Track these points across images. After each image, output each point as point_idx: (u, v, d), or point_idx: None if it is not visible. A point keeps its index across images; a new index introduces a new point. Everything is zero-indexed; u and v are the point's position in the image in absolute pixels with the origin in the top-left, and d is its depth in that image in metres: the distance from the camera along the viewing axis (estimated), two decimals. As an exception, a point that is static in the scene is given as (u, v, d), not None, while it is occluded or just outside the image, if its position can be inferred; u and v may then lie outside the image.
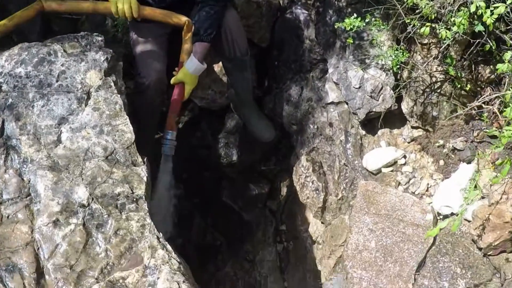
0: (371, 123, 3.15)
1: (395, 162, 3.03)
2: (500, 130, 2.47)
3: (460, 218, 2.05)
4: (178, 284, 1.98)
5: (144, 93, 3.14)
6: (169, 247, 2.11)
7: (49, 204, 2.15)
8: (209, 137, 3.97)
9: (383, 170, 3.06)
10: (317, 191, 3.36)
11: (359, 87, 3.01)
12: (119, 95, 2.42)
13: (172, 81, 3.06)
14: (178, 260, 2.08)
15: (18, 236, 2.10)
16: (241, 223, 3.96)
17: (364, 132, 3.20)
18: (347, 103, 3.15)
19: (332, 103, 3.29)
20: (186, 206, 3.98)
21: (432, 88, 2.81)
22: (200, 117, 4.00)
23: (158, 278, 2.00)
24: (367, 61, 2.99)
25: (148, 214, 2.17)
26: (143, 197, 2.22)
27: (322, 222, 3.43)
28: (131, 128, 2.37)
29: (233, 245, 3.98)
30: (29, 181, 2.22)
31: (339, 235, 3.21)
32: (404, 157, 3.01)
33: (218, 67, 3.69)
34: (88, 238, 2.11)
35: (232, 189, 3.97)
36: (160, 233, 2.14)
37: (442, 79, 2.77)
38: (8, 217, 2.14)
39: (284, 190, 3.91)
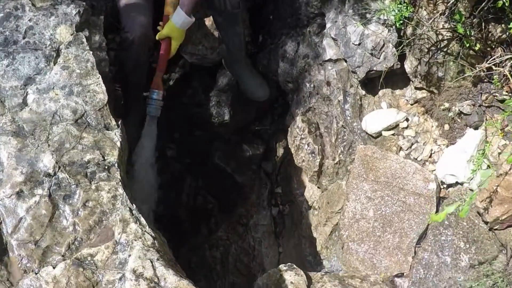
0: (371, 83, 2.95)
1: (397, 125, 2.84)
2: (511, 94, 2.25)
3: (469, 203, 1.84)
4: (152, 262, 1.80)
5: (128, 49, 2.94)
6: (143, 220, 1.92)
7: (12, 174, 1.96)
8: (201, 95, 3.77)
9: (384, 133, 2.88)
10: (312, 154, 3.19)
11: (359, 44, 2.79)
12: (91, 52, 2.20)
13: (158, 36, 2.89)
14: (153, 234, 1.90)
15: (-22, 210, 1.91)
16: (234, 186, 3.81)
17: (364, 92, 3.00)
18: (345, 61, 2.93)
19: (330, 60, 3.08)
20: (177, 167, 3.82)
21: (438, 46, 2.58)
22: (191, 74, 3.81)
23: (129, 255, 1.81)
24: (368, 15, 2.76)
25: (120, 183, 1.97)
26: (116, 164, 2.02)
27: (318, 187, 3.28)
28: (104, 88, 2.16)
29: (226, 208, 3.86)
30: (-8, 149, 2.02)
31: (336, 202, 3.06)
32: (407, 120, 2.81)
33: (209, 21, 3.48)
34: (54, 211, 1.93)
35: (225, 150, 3.80)
36: (134, 204, 1.94)
37: (449, 37, 2.54)
38: (-32, 188, 1.95)
39: (280, 151, 3.75)
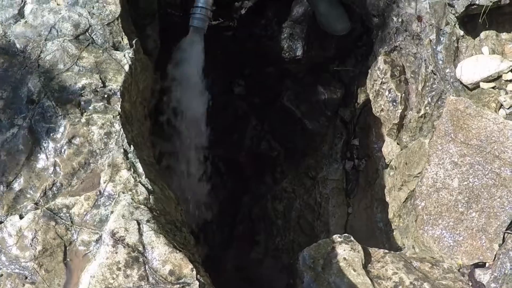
0: (472, 21, 2.39)
1: (499, 77, 2.29)
2: None
3: None
4: (139, 224, 1.38)
5: None
6: (140, 167, 1.49)
7: (-9, 98, 1.58)
8: (274, 26, 3.32)
9: (482, 85, 2.33)
10: (394, 103, 2.69)
11: (461, -32, 2.21)
12: (105, -51, 1.74)
13: None
14: (149, 187, 1.47)
15: None
16: (303, 133, 3.42)
17: (462, 33, 2.43)
18: (442, -10, 2.36)
19: (423, -11, 2.50)
20: (243, 106, 3.42)
21: None
22: (265, 3, 3.39)
23: (111, 212, 1.39)
24: None
25: (119, 118, 1.55)
26: (118, 93, 1.60)
27: (397, 143, 2.78)
28: (118, -3, 1.71)
29: (292, 158, 3.51)
30: (-24, 67, 1.65)
31: (416, 163, 2.57)
32: (512, 71, 2.23)
33: None
34: (33, 147, 1.53)
35: (296, 90, 3.38)
36: (131, 146, 1.51)
37: None
38: None
39: (361, 98, 3.31)
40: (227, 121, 3.42)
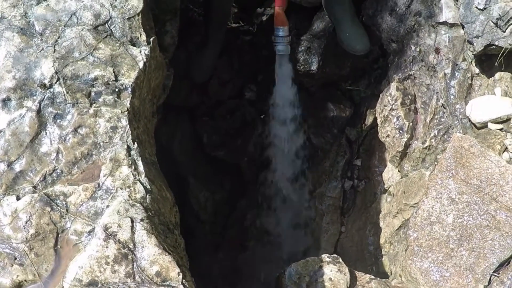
0: (489, 61, 2.38)
1: (508, 119, 2.29)
2: None
3: None
4: (132, 222, 1.39)
5: None
6: (140, 165, 1.50)
7: (3, 77, 1.61)
8: (293, 37, 3.32)
9: (490, 125, 2.33)
10: (400, 131, 2.70)
11: (483, 9, 2.22)
12: None
13: None
14: (148, 186, 1.48)
15: (-46, 113, 1.57)
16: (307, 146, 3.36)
17: (477, 70, 2.44)
18: (463, 27, 2.35)
19: (444, 23, 2.54)
20: (251, 112, 3.44)
21: None
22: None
23: (107, 206, 1.40)
24: (502, -24, 2.17)
25: (126, 114, 1.56)
26: (129, 88, 1.61)
27: (398, 170, 2.76)
28: (141, -7, 1.72)
29: None
30: (-7, 44, 1.66)
31: (414, 194, 2.58)
32: (522, 115, 2.23)
33: (314, -47, 3.00)
34: (39, 131, 1.55)
35: (307, 104, 3.34)
36: (135, 144, 1.52)
37: None
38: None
39: (369, 120, 3.29)
40: (234, 125, 3.44)
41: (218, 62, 3.15)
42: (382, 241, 2.74)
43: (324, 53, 3.11)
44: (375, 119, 3.12)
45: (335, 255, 2.19)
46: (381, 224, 2.80)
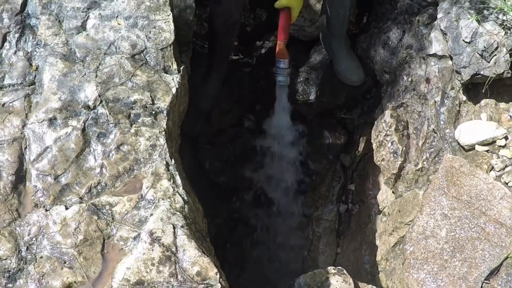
0: (475, 89, 2.61)
1: (493, 142, 2.49)
2: None
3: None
4: (174, 228, 1.57)
5: (220, 2, 2.78)
6: (178, 179, 1.69)
7: (49, 98, 1.79)
8: (291, 69, 3.52)
9: (477, 147, 2.54)
10: (395, 155, 2.88)
11: (470, 42, 2.45)
12: (168, -14, 1.97)
13: (277, 5, 2.73)
14: (185, 198, 1.67)
15: (7, 129, 1.77)
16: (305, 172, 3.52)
17: (464, 98, 2.66)
18: (451, 59, 2.58)
19: (434, 55, 2.76)
20: (251, 140, 3.61)
21: None
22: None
23: (151, 214, 1.59)
24: (485, 12, 2.41)
25: (164, 133, 1.75)
26: (165, 111, 1.80)
27: (393, 192, 2.96)
28: (173, 27, 1.96)
29: (287, 196, 3.61)
30: (37, 68, 1.86)
31: (408, 212, 2.75)
32: (506, 138, 2.47)
33: (312, -9, 3.22)
34: (84, 147, 1.74)
35: (304, 131, 3.52)
36: (173, 160, 1.72)
37: None
38: (3, 105, 1.80)
39: (362, 146, 3.47)
40: (234, 152, 3.59)
41: (219, 92, 3.34)
42: (378, 258, 2.90)
43: (321, 83, 3.31)
44: (367, 146, 3.32)
45: (340, 267, 2.36)
46: (377, 242, 2.96)
